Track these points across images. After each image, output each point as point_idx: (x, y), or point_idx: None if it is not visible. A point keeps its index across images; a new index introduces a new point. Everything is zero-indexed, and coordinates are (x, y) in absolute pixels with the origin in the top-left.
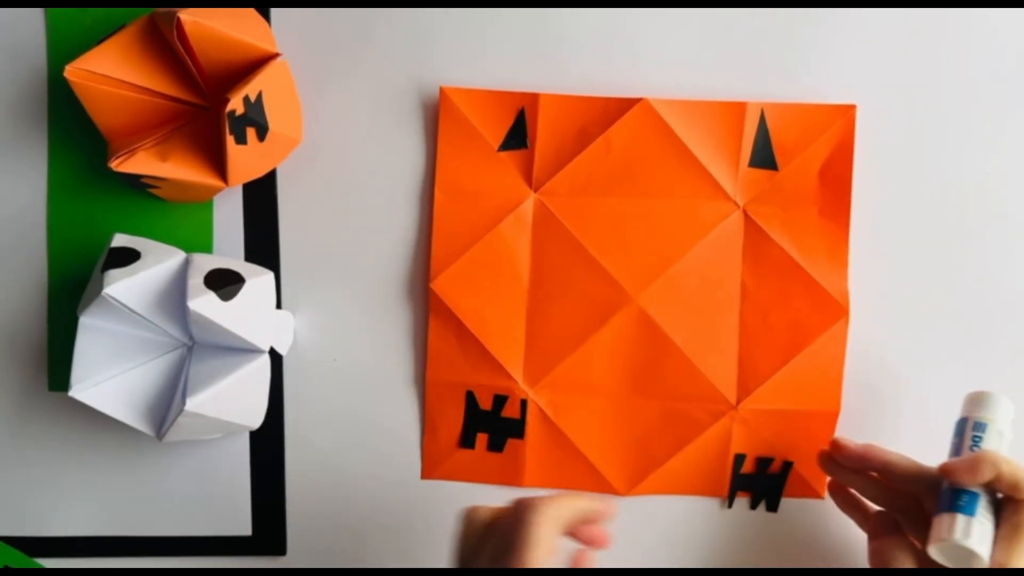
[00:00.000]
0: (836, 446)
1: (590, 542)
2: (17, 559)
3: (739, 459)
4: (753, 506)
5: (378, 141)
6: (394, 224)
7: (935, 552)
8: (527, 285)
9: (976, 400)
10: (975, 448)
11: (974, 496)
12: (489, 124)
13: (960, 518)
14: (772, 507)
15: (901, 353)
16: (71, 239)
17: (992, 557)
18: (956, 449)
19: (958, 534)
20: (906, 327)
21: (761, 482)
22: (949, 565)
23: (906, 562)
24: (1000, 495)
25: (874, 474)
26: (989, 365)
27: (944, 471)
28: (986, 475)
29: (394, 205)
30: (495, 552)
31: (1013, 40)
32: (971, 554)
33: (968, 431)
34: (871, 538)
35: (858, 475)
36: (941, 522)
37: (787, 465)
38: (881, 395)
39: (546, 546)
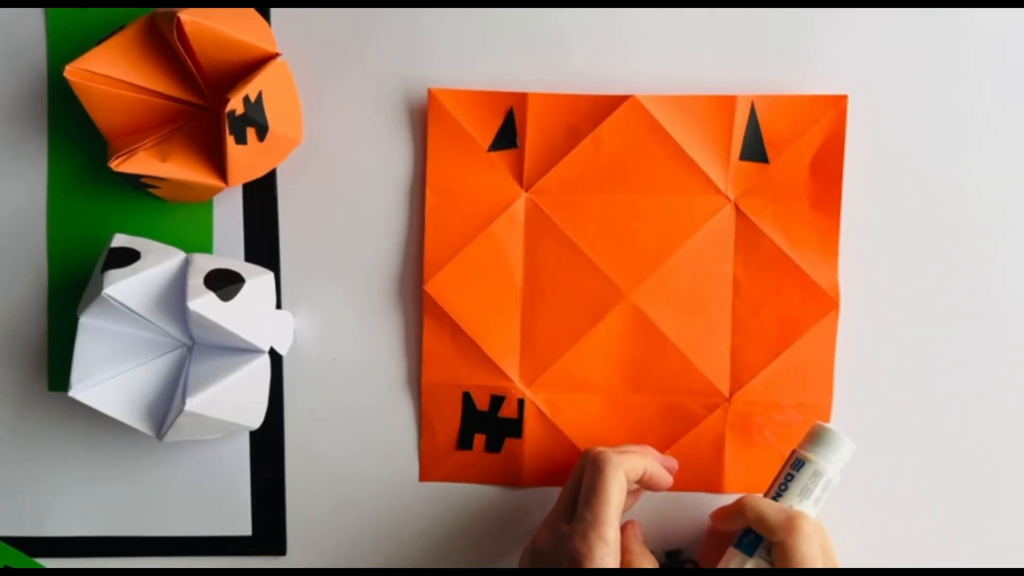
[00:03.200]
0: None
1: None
2: (17, 559)
3: None
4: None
5: (379, 141)
6: (395, 224)
7: None
8: (521, 284)
9: (811, 435)
10: (784, 487)
11: (758, 538)
12: (478, 124)
13: (737, 556)
14: None
15: (891, 345)
16: (71, 239)
17: None
18: (773, 482)
19: (731, 569)
20: (897, 319)
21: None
22: None
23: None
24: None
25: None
26: (979, 357)
27: (711, 517)
28: (738, 523)
29: (394, 206)
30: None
31: (1005, 31)
32: None
33: (787, 467)
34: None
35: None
36: (726, 555)
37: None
38: (872, 387)
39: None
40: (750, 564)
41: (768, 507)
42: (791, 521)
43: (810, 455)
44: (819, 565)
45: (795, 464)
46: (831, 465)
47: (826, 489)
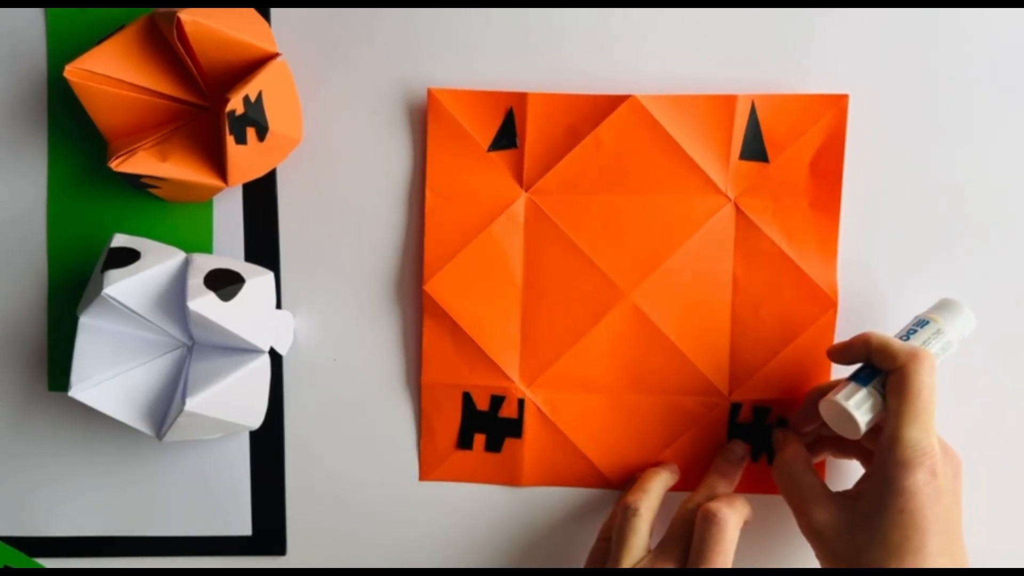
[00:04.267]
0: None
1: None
2: (17, 559)
3: (735, 408)
4: (755, 458)
5: (379, 141)
6: (395, 224)
7: (823, 408)
8: (521, 285)
9: (938, 304)
10: (906, 338)
11: (873, 371)
12: (478, 124)
13: (850, 384)
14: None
15: None
16: (71, 239)
17: (882, 434)
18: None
19: (839, 395)
20: (895, 319)
21: (759, 432)
22: (835, 429)
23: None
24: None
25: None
26: (978, 358)
27: (828, 353)
28: (858, 353)
29: (394, 205)
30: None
31: (1005, 31)
32: (850, 418)
33: (911, 324)
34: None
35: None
36: (837, 386)
37: (783, 422)
38: None
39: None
40: (861, 392)
41: (892, 338)
42: (915, 350)
43: (934, 315)
44: (932, 399)
45: (918, 323)
46: (952, 328)
47: (945, 350)
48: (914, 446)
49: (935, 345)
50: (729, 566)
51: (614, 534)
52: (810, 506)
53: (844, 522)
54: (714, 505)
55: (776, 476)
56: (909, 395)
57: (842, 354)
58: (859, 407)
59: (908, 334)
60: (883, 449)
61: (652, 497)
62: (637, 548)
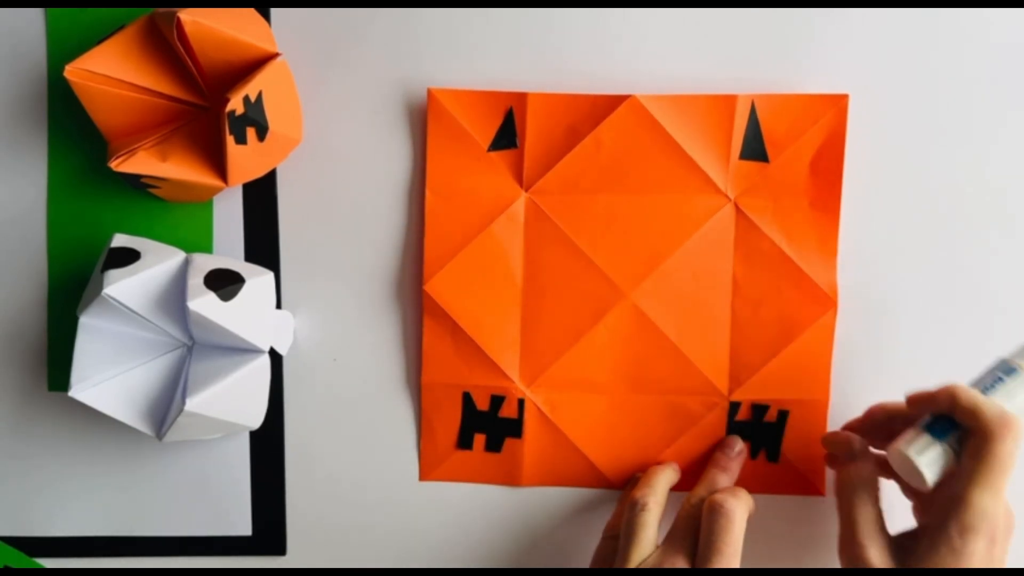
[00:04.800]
0: (833, 438)
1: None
2: (17, 559)
3: (734, 406)
4: (753, 455)
5: (379, 141)
6: (395, 224)
7: (891, 455)
8: (521, 285)
9: None
10: (992, 388)
11: (951, 424)
12: (478, 124)
13: (924, 437)
14: (773, 457)
15: (890, 345)
16: (71, 239)
17: (949, 490)
18: (975, 384)
19: (911, 449)
20: (895, 319)
21: (758, 430)
22: (902, 476)
23: (866, 485)
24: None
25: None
26: (978, 358)
27: (908, 399)
28: (941, 405)
29: (394, 205)
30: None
31: (1005, 31)
32: (919, 474)
33: (995, 371)
34: (840, 465)
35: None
36: (908, 433)
37: (783, 414)
38: (869, 386)
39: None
40: (938, 448)
41: (983, 399)
42: (1006, 417)
43: (1022, 362)
44: (1011, 467)
45: (1005, 369)
46: None
47: None
48: (982, 513)
49: (1020, 398)
50: (739, 556)
51: (623, 530)
52: (865, 540)
53: (892, 565)
54: (719, 496)
55: (839, 490)
56: (989, 463)
57: (924, 405)
58: (931, 465)
59: (994, 383)
60: (947, 506)
61: (659, 492)
62: (647, 543)
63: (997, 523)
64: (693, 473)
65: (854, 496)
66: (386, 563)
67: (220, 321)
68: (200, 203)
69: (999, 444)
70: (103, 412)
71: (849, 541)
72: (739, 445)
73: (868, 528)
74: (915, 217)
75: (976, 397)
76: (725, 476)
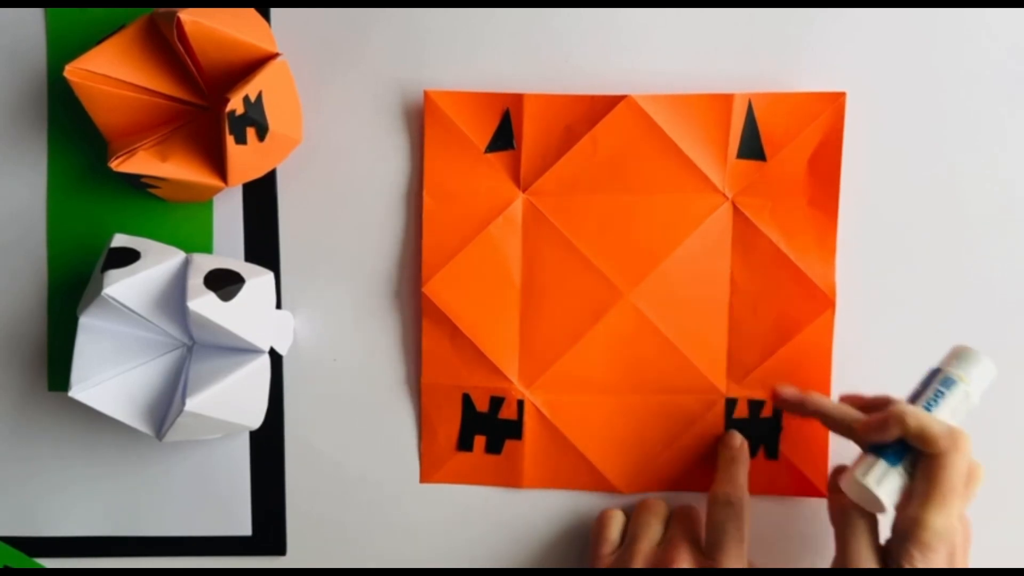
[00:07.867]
0: (776, 395)
1: None
2: (17, 559)
3: (731, 404)
4: (753, 452)
5: (377, 142)
6: (394, 225)
7: (846, 486)
8: (519, 286)
9: (958, 354)
10: (933, 403)
11: (903, 447)
12: (475, 126)
13: (880, 464)
14: (772, 454)
15: (888, 344)
16: (71, 239)
17: (906, 511)
18: (914, 397)
19: (868, 477)
20: (894, 318)
21: (756, 426)
22: (858, 502)
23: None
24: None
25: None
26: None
27: (858, 427)
28: (892, 433)
29: (393, 206)
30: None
31: (1004, 30)
32: (875, 500)
33: (934, 384)
34: (830, 492)
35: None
36: (862, 461)
37: (780, 409)
38: (868, 385)
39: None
40: (893, 474)
41: (930, 419)
42: (954, 434)
43: (962, 374)
44: (962, 482)
45: (944, 382)
46: (976, 387)
47: (968, 413)
48: (939, 533)
49: (962, 411)
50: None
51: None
52: (860, 548)
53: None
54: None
55: (832, 517)
56: (942, 483)
57: (878, 432)
58: (890, 494)
59: (936, 397)
60: (906, 527)
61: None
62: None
63: (955, 539)
64: (692, 472)
65: (848, 522)
66: (386, 564)
67: (220, 321)
68: (200, 203)
69: (950, 465)
70: (103, 412)
71: (847, 553)
72: (737, 439)
73: (864, 539)
74: (913, 215)
75: (923, 420)
76: (738, 468)
